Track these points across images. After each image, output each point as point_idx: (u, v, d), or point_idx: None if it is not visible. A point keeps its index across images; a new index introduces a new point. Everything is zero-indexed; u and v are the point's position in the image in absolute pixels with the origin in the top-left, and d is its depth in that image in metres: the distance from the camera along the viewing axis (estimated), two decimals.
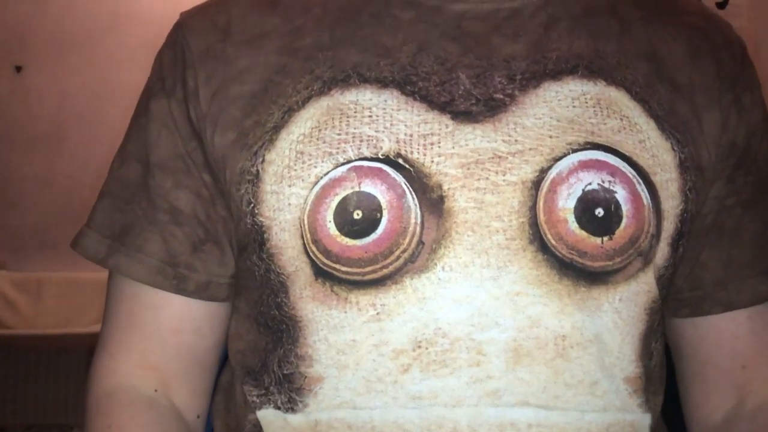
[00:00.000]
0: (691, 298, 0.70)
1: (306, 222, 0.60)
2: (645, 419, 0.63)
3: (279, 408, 0.62)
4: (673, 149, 0.64)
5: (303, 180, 0.61)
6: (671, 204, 0.64)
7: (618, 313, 0.61)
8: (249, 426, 0.64)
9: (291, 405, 0.62)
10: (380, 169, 0.60)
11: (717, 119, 0.67)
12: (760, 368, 0.69)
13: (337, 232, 0.60)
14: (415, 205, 0.60)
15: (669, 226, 0.64)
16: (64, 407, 3.28)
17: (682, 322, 0.71)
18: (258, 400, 0.64)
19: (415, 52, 0.64)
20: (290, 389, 0.62)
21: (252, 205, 0.63)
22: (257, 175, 0.63)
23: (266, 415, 0.63)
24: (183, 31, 0.68)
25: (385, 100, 0.62)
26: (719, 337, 0.70)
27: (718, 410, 0.70)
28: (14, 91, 3.26)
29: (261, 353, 0.65)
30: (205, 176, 0.66)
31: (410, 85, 0.63)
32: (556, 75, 0.64)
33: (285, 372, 0.62)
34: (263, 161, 0.63)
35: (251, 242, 0.64)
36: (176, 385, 0.67)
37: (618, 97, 0.64)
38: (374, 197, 0.60)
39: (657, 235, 0.63)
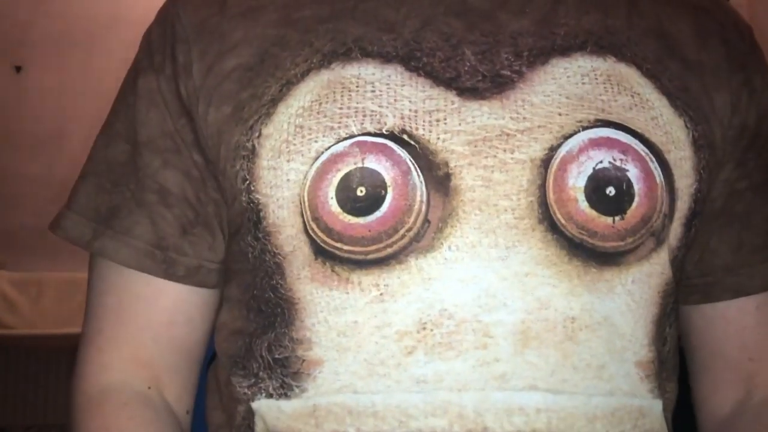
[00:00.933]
0: (701, 284, 0.68)
1: (306, 199, 0.58)
2: (656, 405, 0.61)
3: (271, 395, 0.60)
4: (687, 126, 0.63)
5: (303, 155, 0.59)
6: (685, 183, 0.62)
7: (631, 296, 0.59)
8: (239, 419, 0.62)
9: (285, 390, 0.59)
10: (384, 145, 0.59)
11: (727, 100, 0.66)
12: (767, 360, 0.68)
13: (339, 210, 0.58)
14: (421, 182, 0.58)
15: (683, 206, 0.62)
16: (64, 407, 3.28)
17: (690, 311, 0.70)
18: (249, 391, 0.61)
19: (418, 27, 0.62)
20: (284, 374, 0.59)
21: (248, 182, 0.61)
22: (253, 150, 0.61)
23: (260, 406, 0.60)
24: (176, 7, 0.66)
25: (389, 75, 0.61)
26: (726, 327, 0.68)
27: (725, 403, 0.69)
28: (14, 91, 3.26)
29: (246, 338, 0.63)
30: (195, 156, 0.64)
31: (414, 60, 0.61)
32: (565, 51, 0.63)
33: (277, 356, 0.60)
34: (259, 135, 0.61)
35: (245, 222, 0.62)
36: (168, 381, 0.65)
37: (629, 73, 0.63)
38: (378, 174, 0.58)
39: (670, 215, 0.61)
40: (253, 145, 0.61)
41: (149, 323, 0.65)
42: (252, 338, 0.62)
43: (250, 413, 0.61)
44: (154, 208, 0.64)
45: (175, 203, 0.64)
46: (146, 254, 0.64)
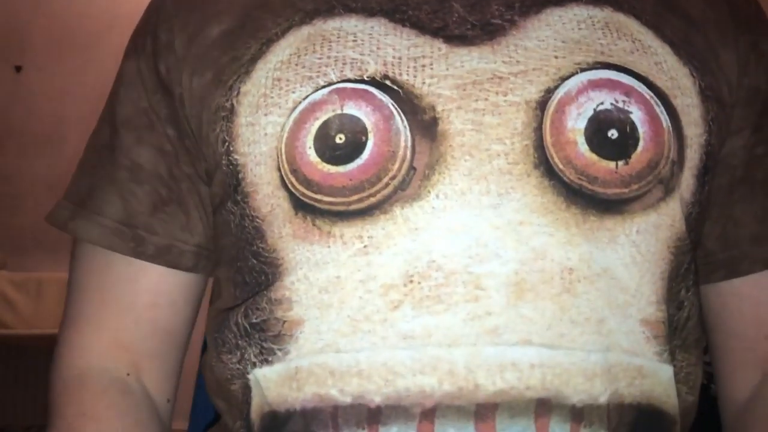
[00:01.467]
0: (726, 259, 0.64)
1: (284, 151, 0.56)
2: (664, 370, 0.56)
3: (255, 364, 0.57)
4: (692, 75, 0.60)
5: (280, 107, 0.57)
6: (694, 131, 0.59)
7: (636, 247, 0.55)
8: (238, 398, 0.59)
9: (265, 356, 0.56)
10: (365, 91, 0.55)
11: (733, 58, 0.63)
12: None
13: (317, 159, 0.55)
14: (405, 127, 0.55)
15: (693, 155, 0.58)
16: None
17: (707, 290, 0.66)
18: (240, 366, 0.58)
19: None
20: (262, 339, 0.56)
21: (227, 143, 0.59)
22: (232, 110, 0.59)
23: (255, 377, 0.57)
24: None
25: (372, 27, 0.58)
26: (741, 305, 0.64)
27: (743, 388, 0.65)
28: (14, 91, 3.26)
29: (224, 312, 0.61)
30: (169, 130, 0.62)
31: (399, 13, 0.59)
32: (559, 1, 0.60)
33: (254, 320, 0.57)
34: (238, 94, 0.59)
35: (226, 189, 0.59)
36: (148, 367, 0.63)
37: (628, 22, 0.60)
38: (358, 119, 0.55)
39: (680, 163, 0.57)
40: (232, 104, 0.59)
41: (132, 305, 0.63)
42: (228, 311, 0.60)
43: (246, 388, 0.58)
44: (125, 185, 0.63)
45: (147, 179, 0.63)
46: (114, 232, 0.62)
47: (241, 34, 0.61)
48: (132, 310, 0.63)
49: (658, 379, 0.56)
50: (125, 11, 3.21)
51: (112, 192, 0.63)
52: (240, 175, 0.58)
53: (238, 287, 0.60)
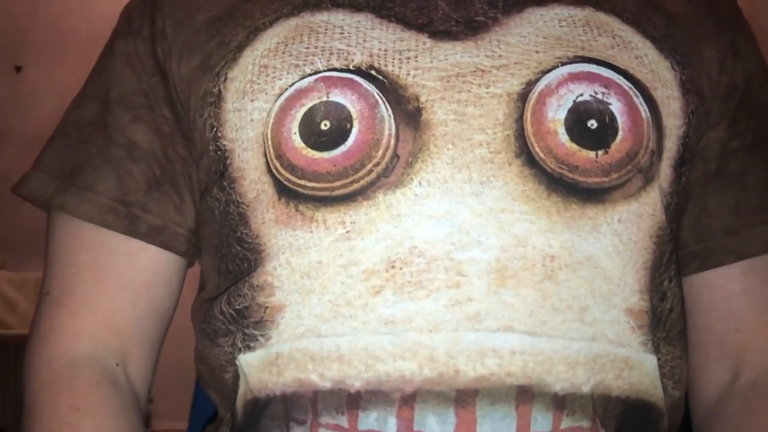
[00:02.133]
0: (700, 250, 0.65)
1: (269, 136, 0.56)
2: (649, 360, 0.56)
3: (240, 350, 0.57)
4: (674, 68, 0.61)
5: (266, 93, 0.57)
6: (673, 123, 0.60)
7: (618, 236, 0.56)
8: (229, 387, 0.59)
9: (248, 342, 0.56)
10: (351, 79, 0.56)
11: (713, 55, 0.64)
12: (755, 333, 0.64)
13: (302, 144, 0.55)
14: (389, 116, 0.55)
15: (671, 146, 0.59)
16: None
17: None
18: (231, 350, 0.58)
19: None
20: (245, 325, 0.56)
21: (215, 129, 0.59)
22: (219, 95, 0.59)
23: (240, 363, 0.57)
24: None
25: (359, 21, 0.59)
26: (712, 296, 0.65)
27: (713, 384, 0.65)
28: (14, 91, 3.26)
29: (208, 302, 0.60)
30: (166, 111, 0.62)
31: (386, 9, 0.60)
32: (541, 1, 0.61)
33: (237, 307, 0.57)
34: (225, 80, 0.59)
35: (212, 175, 0.59)
36: (137, 353, 0.62)
37: (608, 20, 0.61)
38: (343, 107, 0.55)
39: (658, 153, 0.58)
40: (219, 90, 0.59)
41: (130, 283, 0.61)
42: (214, 299, 0.60)
43: (236, 377, 0.58)
44: (120, 162, 0.62)
45: (143, 157, 0.62)
46: (108, 209, 0.61)
47: (228, 22, 0.61)
48: (130, 289, 0.62)
49: (645, 371, 0.56)
50: None
51: (106, 169, 0.62)
52: (227, 161, 0.58)
53: (221, 276, 0.60)
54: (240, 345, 0.57)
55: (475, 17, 0.60)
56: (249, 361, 0.56)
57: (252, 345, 0.56)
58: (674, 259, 0.61)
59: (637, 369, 0.56)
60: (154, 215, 0.62)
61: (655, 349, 0.58)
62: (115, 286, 0.61)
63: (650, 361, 0.57)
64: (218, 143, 0.59)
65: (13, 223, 3.21)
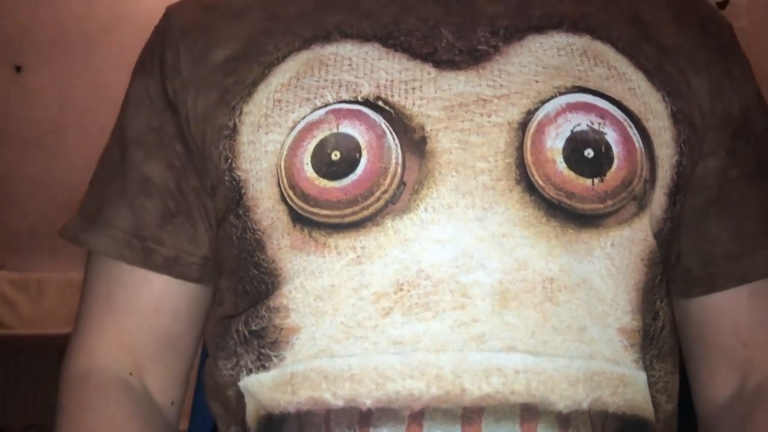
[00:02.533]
0: (704, 275, 0.68)
1: (283, 167, 0.59)
2: (641, 377, 0.59)
3: (251, 370, 0.60)
4: (664, 100, 0.63)
5: (280, 126, 0.60)
6: (665, 152, 0.62)
7: (611, 259, 0.59)
8: (233, 404, 0.62)
9: (262, 362, 0.59)
10: (359, 111, 0.59)
11: (705, 86, 0.66)
12: (762, 346, 0.68)
13: (314, 174, 0.58)
14: (396, 145, 0.58)
15: (664, 174, 0.62)
16: None
17: (686, 304, 0.70)
18: (233, 372, 0.62)
19: (397, 13, 0.64)
20: (260, 345, 0.59)
21: (229, 160, 0.62)
22: (234, 128, 0.62)
23: (245, 384, 0.60)
24: (167, 17, 0.69)
25: (366, 52, 0.62)
26: (721, 316, 0.68)
27: (722, 390, 0.68)
28: (14, 91, 3.26)
29: (226, 320, 0.64)
30: (178, 146, 0.66)
31: (392, 39, 0.62)
32: (541, 29, 0.63)
33: (253, 328, 0.60)
34: (240, 114, 0.62)
35: (229, 204, 0.62)
36: (150, 369, 0.66)
37: (604, 49, 0.64)
38: (353, 137, 0.58)
39: (651, 181, 0.61)
40: (235, 124, 0.62)
41: (135, 310, 0.66)
42: (230, 318, 0.63)
43: (240, 395, 0.61)
44: (135, 198, 0.66)
45: (156, 193, 0.66)
46: (125, 244, 0.65)
47: (243, 60, 0.64)
48: (135, 315, 0.66)
49: (638, 387, 0.59)
50: (125, 12, 3.22)
51: (121, 205, 0.66)
52: (242, 191, 0.61)
53: (239, 296, 0.63)
54: (252, 365, 0.60)
55: (477, 46, 0.62)
56: (261, 381, 0.59)
57: (266, 365, 0.59)
58: (664, 280, 0.64)
59: (631, 386, 0.58)
60: (168, 247, 0.65)
61: (650, 365, 0.61)
62: (121, 313, 0.66)
63: (642, 378, 0.59)
64: (233, 174, 0.62)
65: (13, 223, 3.22)
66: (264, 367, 0.59)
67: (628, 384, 0.58)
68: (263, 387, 0.58)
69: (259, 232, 0.60)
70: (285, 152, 0.59)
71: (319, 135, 0.59)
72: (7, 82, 3.26)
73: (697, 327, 0.69)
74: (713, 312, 0.69)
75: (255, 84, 0.63)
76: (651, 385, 0.61)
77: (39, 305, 3.23)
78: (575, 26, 0.64)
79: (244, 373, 0.60)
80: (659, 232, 0.62)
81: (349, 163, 0.58)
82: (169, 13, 0.70)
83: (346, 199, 0.58)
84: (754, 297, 0.68)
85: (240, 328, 0.61)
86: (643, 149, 0.60)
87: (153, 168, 0.66)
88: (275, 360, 0.58)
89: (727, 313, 0.68)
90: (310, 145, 0.58)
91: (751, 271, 0.67)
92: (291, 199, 0.59)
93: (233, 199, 0.62)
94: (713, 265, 0.68)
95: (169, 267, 0.65)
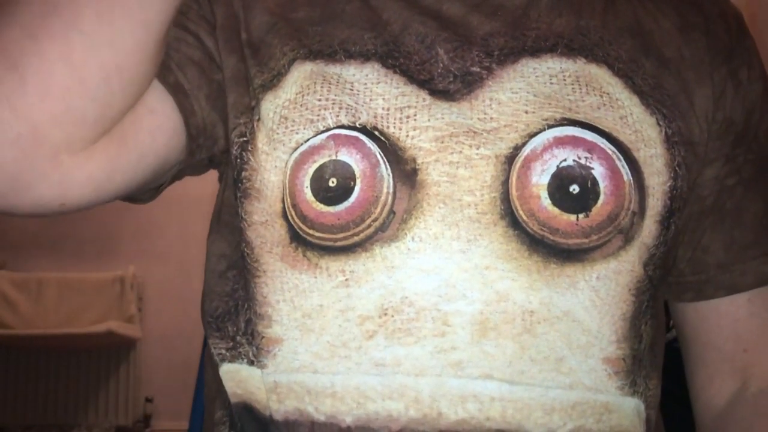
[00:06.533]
0: (694, 282, 0.69)
1: (287, 186, 0.61)
2: (627, 403, 0.61)
3: (252, 362, 0.62)
4: (659, 124, 0.63)
5: (284, 144, 0.62)
6: (657, 180, 0.62)
7: (596, 292, 0.60)
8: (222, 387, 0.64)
9: (255, 359, 0.62)
10: (357, 138, 0.61)
11: (708, 95, 0.66)
12: (762, 351, 0.69)
13: (312, 198, 0.60)
14: (389, 175, 0.60)
15: (655, 203, 0.62)
16: (64, 407, 3.28)
17: (684, 307, 0.71)
18: (228, 354, 0.63)
19: (398, 32, 0.65)
20: (252, 344, 0.62)
21: (246, 140, 0.64)
22: (252, 134, 0.64)
23: (229, 369, 0.62)
24: None
25: (366, 75, 0.64)
26: (720, 320, 0.69)
27: (721, 394, 0.69)
28: None
29: (226, 298, 0.65)
30: (209, 42, 0.66)
31: (392, 59, 0.64)
32: (535, 52, 0.64)
33: (248, 327, 0.63)
34: (259, 119, 0.64)
35: (231, 172, 0.64)
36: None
37: (599, 73, 0.64)
38: (349, 166, 0.60)
39: (641, 213, 0.61)
40: (252, 129, 0.64)
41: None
42: (235, 300, 0.64)
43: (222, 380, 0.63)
44: (179, 41, 0.65)
45: (197, 46, 0.65)
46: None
47: (256, 53, 0.65)
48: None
49: (624, 413, 0.61)
50: None
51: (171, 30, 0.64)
52: (249, 182, 0.63)
53: (235, 269, 0.65)
54: (254, 358, 0.62)
55: (471, 67, 0.63)
56: (251, 374, 0.62)
57: (256, 365, 0.61)
58: (651, 304, 0.65)
59: (617, 412, 0.60)
60: (188, 79, 0.64)
61: (645, 387, 0.62)
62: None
63: (628, 403, 0.61)
64: (245, 154, 0.63)
65: (13, 223, 3.22)
66: (261, 364, 0.61)
67: (612, 411, 0.60)
68: (253, 378, 0.61)
69: (245, 222, 0.63)
70: (289, 172, 0.61)
71: (319, 160, 0.61)
72: None
73: (695, 330, 0.71)
74: (712, 316, 0.69)
75: (264, 90, 0.64)
76: (647, 407, 0.62)
77: (39, 305, 3.23)
78: (570, 48, 0.64)
79: (243, 360, 0.62)
80: (651, 257, 0.63)
81: (344, 190, 0.60)
82: None
83: (340, 224, 0.60)
84: (754, 302, 0.69)
85: (241, 324, 0.63)
86: (632, 181, 0.61)
87: (190, 50, 0.65)
88: (261, 363, 0.61)
89: (726, 317, 0.69)
90: (311, 169, 0.61)
91: (741, 281, 0.68)
92: (292, 218, 0.61)
93: (236, 194, 0.64)
94: (703, 273, 0.69)
95: (176, 93, 0.64)
